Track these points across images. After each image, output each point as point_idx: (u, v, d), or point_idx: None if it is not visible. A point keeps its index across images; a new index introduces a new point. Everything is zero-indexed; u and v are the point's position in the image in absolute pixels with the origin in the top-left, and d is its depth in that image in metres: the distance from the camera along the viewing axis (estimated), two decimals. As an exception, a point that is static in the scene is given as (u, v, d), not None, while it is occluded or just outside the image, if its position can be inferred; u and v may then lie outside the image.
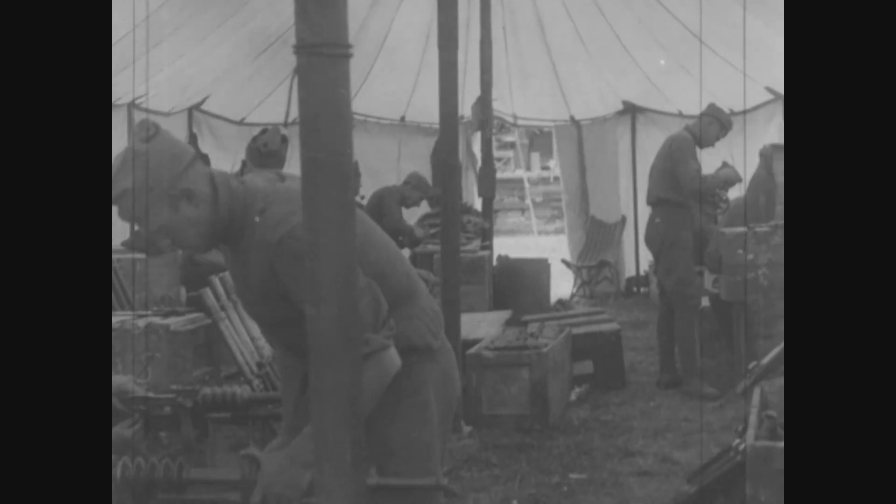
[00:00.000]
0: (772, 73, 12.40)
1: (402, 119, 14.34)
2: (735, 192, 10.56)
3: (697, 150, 8.83)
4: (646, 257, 13.57)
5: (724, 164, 10.41)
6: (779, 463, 4.76)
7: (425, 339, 3.33)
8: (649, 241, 9.13)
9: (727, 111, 9.40)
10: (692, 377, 8.58)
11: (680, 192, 8.72)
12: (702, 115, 8.96)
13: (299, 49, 2.63)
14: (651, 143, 13.26)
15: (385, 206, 10.98)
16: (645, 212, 11.34)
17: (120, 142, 3.09)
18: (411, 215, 12.05)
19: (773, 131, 12.54)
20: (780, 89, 12.94)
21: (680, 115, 13.10)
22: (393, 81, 13.45)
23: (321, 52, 2.61)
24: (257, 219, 3.11)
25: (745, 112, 11.46)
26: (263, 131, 7.39)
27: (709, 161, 9.55)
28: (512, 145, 28.01)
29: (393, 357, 3.07)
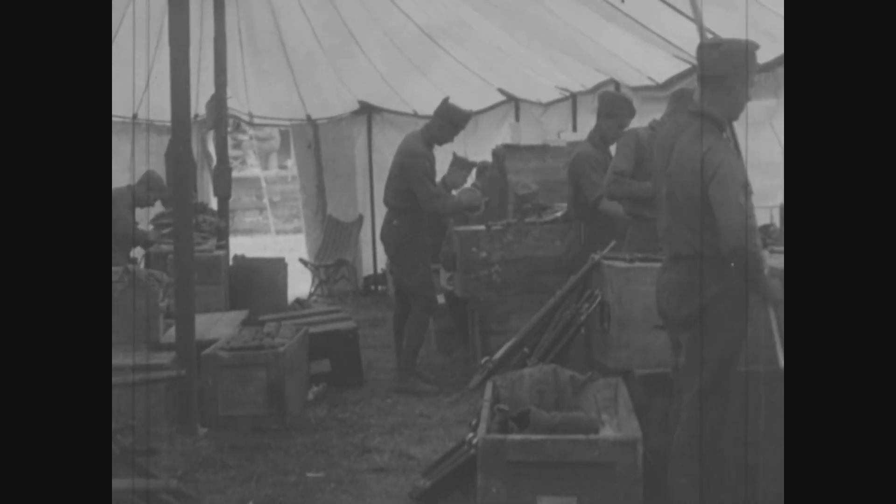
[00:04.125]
0: (504, 75, 12.72)
1: (135, 117, 13.97)
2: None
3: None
4: (383, 256, 13.66)
5: (455, 157, 10.59)
6: (510, 455, 4.90)
7: None
8: (386, 242, 9.14)
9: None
10: (408, 374, 8.69)
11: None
12: (435, 114, 9.03)
13: (17, 42, 2.55)
14: (387, 142, 13.40)
15: (116, 210, 10.54)
16: (381, 211, 11.41)
17: None
18: (144, 214, 11.78)
19: (505, 131, 12.86)
20: (512, 91, 13.30)
21: (415, 115, 13.30)
22: (124, 78, 13.07)
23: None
24: None
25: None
26: None
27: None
28: (249, 144, 27.73)
29: None
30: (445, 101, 9.00)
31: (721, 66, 4.98)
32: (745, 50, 5.04)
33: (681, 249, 5.08)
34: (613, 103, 7.91)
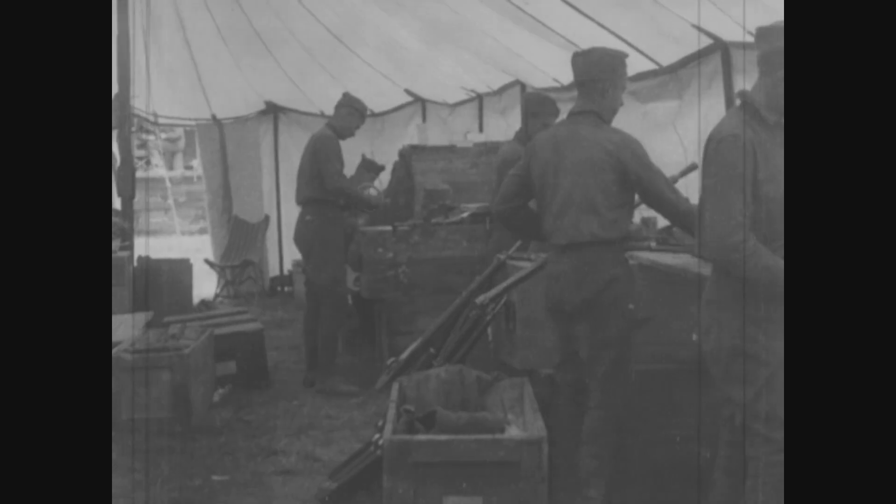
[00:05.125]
0: (411, 76, 12.72)
1: (36, 115, 13.73)
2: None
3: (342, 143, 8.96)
4: (290, 256, 13.62)
5: (363, 158, 10.58)
6: (415, 455, 4.90)
7: None
8: (299, 239, 9.12)
9: (370, 112, 9.56)
10: (329, 374, 8.67)
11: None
12: (337, 106, 9.09)
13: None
14: (294, 142, 13.33)
15: None
16: (288, 211, 11.34)
17: None
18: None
19: (412, 132, 12.86)
20: (419, 92, 13.31)
21: (322, 115, 13.23)
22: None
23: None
24: None
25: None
26: None
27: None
28: (154, 144, 27.41)
29: None
30: (346, 94, 9.23)
31: (590, 71, 5.35)
32: (613, 56, 5.43)
33: (575, 237, 5.22)
34: (538, 103, 8.05)
